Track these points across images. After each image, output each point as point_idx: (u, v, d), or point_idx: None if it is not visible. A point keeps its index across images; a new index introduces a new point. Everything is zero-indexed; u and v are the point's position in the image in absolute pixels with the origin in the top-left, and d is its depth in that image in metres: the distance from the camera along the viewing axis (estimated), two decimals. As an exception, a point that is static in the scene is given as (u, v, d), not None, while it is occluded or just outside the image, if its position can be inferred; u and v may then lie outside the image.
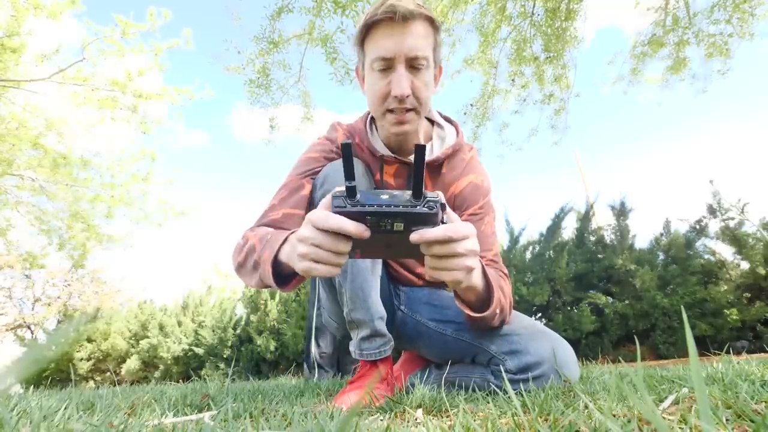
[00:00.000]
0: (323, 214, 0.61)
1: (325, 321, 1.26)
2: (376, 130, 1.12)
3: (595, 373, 1.10)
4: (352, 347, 1.05)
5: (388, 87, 0.93)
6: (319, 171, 1.06)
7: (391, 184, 1.10)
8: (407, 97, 0.93)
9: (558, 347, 0.98)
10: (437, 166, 1.10)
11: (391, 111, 0.96)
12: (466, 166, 1.13)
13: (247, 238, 0.94)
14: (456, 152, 1.13)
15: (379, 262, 1.05)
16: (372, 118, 1.13)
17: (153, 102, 6.68)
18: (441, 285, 1.18)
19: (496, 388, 0.95)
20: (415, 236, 0.62)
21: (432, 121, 1.18)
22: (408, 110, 0.96)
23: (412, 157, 1.05)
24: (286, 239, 0.80)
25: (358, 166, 1.04)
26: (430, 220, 0.62)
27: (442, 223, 0.64)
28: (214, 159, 43.04)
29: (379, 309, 1.02)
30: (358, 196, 0.60)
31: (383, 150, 1.09)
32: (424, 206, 0.60)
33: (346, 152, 0.57)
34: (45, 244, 7.66)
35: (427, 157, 1.07)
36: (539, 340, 0.98)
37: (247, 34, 4.56)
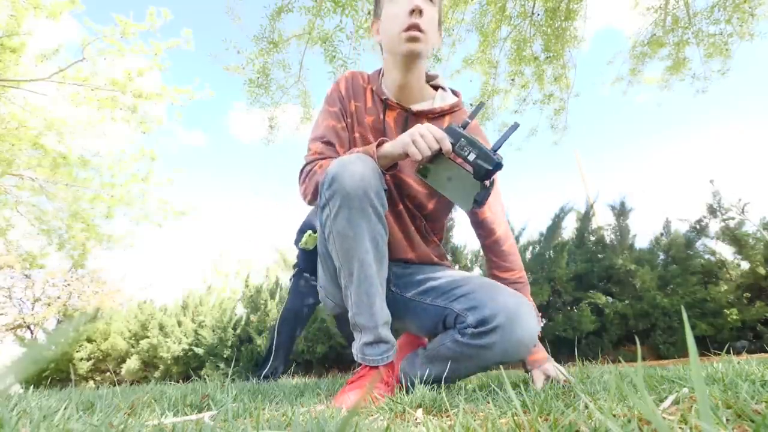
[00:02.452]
0: (436, 129, 0.98)
1: (321, 299, 1.30)
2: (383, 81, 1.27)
3: (595, 373, 1.10)
4: (355, 350, 1.05)
5: (405, 6, 1.10)
6: (339, 104, 1.23)
7: (391, 126, 1.22)
8: (421, 12, 1.09)
9: (514, 301, 1.02)
10: (439, 116, 1.23)
11: (406, 30, 1.10)
12: (472, 129, 1.22)
13: (315, 171, 1.12)
14: (457, 111, 1.26)
15: (386, 268, 1.06)
16: (380, 72, 1.28)
17: (153, 102, 6.68)
18: (427, 262, 1.28)
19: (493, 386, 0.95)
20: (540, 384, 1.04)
21: (437, 87, 1.31)
22: (420, 30, 1.10)
23: (413, 106, 1.22)
24: (379, 143, 1.04)
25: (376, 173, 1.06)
26: (497, 168, 0.94)
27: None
28: (213, 159, 43.06)
29: (383, 315, 1.03)
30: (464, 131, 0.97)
31: (389, 94, 1.23)
32: (499, 158, 0.94)
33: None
34: (45, 244, 7.67)
35: (427, 107, 1.23)
36: (494, 294, 1.04)
37: (247, 34, 4.55)
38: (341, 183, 0.95)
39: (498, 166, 0.94)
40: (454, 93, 1.31)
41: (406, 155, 0.99)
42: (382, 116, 1.22)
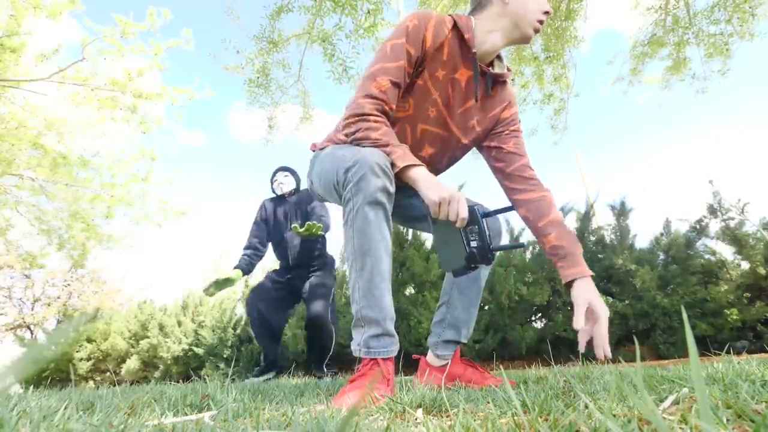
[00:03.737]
0: (464, 204, 1.02)
1: (313, 188, 1.38)
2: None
3: (595, 373, 1.10)
4: (358, 345, 1.05)
5: (546, 6, 1.22)
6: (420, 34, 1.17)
7: (461, 85, 1.25)
8: None
9: None
10: (503, 81, 1.33)
11: (544, 13, 1.22)
12: (513, 94, 1.42)
13: (370, 127, 1.10)
14: (507, 80, 1.37)
15: (391, 267, 1.11)
16: (472, 26, 1.26)
17: (153, 102, 6.67)
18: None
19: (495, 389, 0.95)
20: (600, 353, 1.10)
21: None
22: None
23: (491, 68, 1.30)
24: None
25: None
26: (486, 263, 1.07)
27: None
28: (213, 159, 43.06)
29: (391, 311, 1.06)
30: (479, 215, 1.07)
31: (480, 49, 1.24)
32: (491, 259, 1.07)
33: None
34: (45, 244, 7.65)
35: (499, 71, 1.31)
36: None
37: (247, 34, 4.55)
38: (367, 187, 1.02)
39: (487, 263, 1.07)
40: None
41: (428, 202, 1.04)
42: (455, 74, 1.24)
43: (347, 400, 0.92)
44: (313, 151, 1.35)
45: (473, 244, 1.05)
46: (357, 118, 1.12)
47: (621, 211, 3.74)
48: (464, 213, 1.01)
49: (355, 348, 1.06)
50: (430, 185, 1.04)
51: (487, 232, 1.05)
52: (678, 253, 3.40)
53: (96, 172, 7.09)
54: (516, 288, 3.51)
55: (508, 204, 1.27)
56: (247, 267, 2.87)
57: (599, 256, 3.66)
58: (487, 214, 1.11)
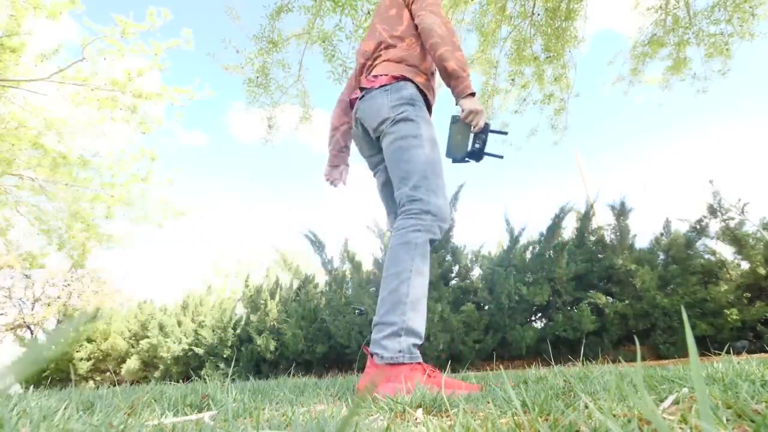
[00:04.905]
0: (484, 117, 1.42)
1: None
2: None
3: (595, 373, 1.10)
4: (397, 352, 1.16)
5: None
6: None
7: None
8: None
9: None
10: None
11: None
12: None
13: (467, 74, 1.40)
14: None
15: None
16: None
17: (152, 102, 6.67)
18: None
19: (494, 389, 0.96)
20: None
21: None
22: None
23: None
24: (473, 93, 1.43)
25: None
26: (476, 159, 1.48)
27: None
28: (213, 159, 43.05)
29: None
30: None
31: None
32: (478, 159, 1.47)
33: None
34: (45, 244, 7.65)
35: None
36: None
37: (247, 34, 4.55)
38: (439, 231, 1.31)
39: (477, 160, 1.47)
40: None
41: (469, 108, 1.39)
42: None
43: (399, 388, 1.07)
44: (390, 81, 1.42)
45: (476, 146, 1.44)
46: (465, 72, 1.39)
47: (621, 211, 3.74)
48: (482, 123, 1.41)
49: (396, 355, 1.15)
50: (476, 101, 1.40)
51: (482, 141, 1.44)
52: (678, 253, 3.40)
53: (96, 172, 7.10)
54: (516, 288, 3.51)
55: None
56: None
57: (599, 256, 3.66)
58: (493, 131, 1.47)
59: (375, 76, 1.45)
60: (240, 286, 5.48)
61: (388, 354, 1.15)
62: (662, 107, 6.05)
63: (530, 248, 3.93)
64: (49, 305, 12.60)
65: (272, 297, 4.91)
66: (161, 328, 5.39)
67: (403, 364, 1.15)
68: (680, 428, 0.46)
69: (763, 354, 2.44)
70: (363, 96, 1.46)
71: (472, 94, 1.40)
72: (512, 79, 5.73)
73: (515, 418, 0.51)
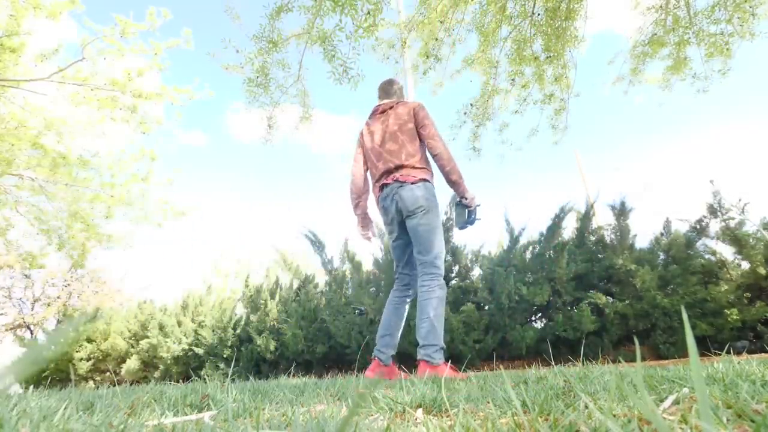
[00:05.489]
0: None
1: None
2: None
3: (596, 373, 1.10)
4: (440, 359, 1.99)
5: None
6: None
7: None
8: None
9: None
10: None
11: None
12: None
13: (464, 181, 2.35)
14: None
15: None
16: None
17: (152, 102, 6.67)
18: None
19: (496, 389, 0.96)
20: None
21: None
22: None
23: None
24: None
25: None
26: (465, 227, 2.50)
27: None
28: (213, 159, 43.06)
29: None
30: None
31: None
32: (472, 223, 2.50)
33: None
34: (45, 244, 7.65)
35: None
36: None
37: (246, 33, 4.54)
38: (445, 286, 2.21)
39: (472, 224, 2.44)
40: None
41: (471, 197, 2.38)
42: None
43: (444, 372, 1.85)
44: (419, 180, 2.23)
45: (470, 217, 2.39)
46: (462, 179, 2.32)
47: (621, 211, 3.74)
48: (477, 201, 2.38)
49: (440, 361, 1.99)
50: (473, 193, 2.38)
51: (475, 214, 2.40)
52: (678, 253, 3.40)
53: (96, 172, 7.09)
54: (516, 288, 3.51)
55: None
56: None
57: (599, 256, 3.66)
58: (474, 211, 2.42)
59: (410, 175, 2.21)
60: (240, 286, 5.48)
61: (436, 361, 1.98)
62: (662, 107, 6.05)
63: (530, 248, 3.93)
64: (48, 305, 12.59)
65: (272, 297, 4.91)
66: (161, 328, 5.39)
67: (444, 364, 2.01)
68: (680, 428, 0.46)
69: (763, 354, 2.44)
70: (402, 186, 2.21)
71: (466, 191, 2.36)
72: (512, 79, 5.73)
73: (515, 418, 0.51)
